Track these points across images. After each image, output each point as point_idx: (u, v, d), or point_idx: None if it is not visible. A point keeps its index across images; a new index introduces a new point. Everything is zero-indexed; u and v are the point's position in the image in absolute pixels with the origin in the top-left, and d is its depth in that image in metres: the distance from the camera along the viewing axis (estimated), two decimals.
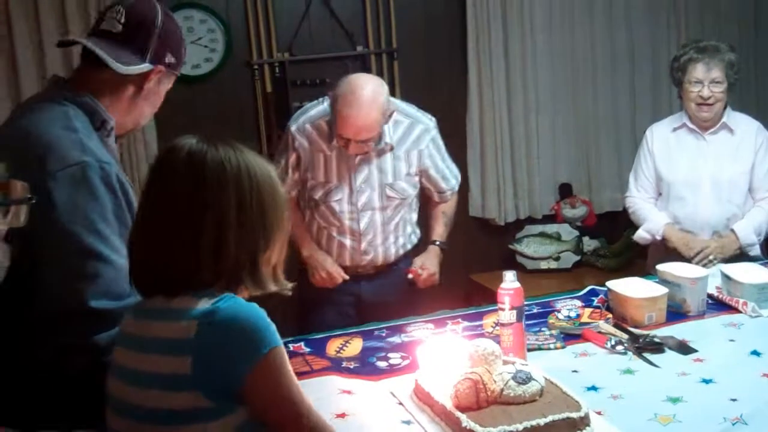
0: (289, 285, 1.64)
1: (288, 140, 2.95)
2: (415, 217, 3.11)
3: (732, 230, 3.22)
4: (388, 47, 4.38)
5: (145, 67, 1.94)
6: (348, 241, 2.99)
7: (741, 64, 3.34)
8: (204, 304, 1.47)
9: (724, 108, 3.27)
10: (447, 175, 3.08)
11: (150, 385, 1.48)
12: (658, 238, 3.31)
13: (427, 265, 3.02)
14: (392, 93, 3.20)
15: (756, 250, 3.26)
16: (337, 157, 2.88)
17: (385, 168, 2.91)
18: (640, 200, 3.41)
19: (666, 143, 3.35)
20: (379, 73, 4.31)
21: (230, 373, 1.45)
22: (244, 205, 1.53)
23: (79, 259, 1.75)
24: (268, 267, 1.59)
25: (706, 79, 3.18)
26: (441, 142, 3.03)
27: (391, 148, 2.89)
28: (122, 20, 1.92)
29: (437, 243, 3.10)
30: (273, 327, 1.49)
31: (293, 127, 2.93)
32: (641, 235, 3.39)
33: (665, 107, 4.57)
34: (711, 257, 3.15)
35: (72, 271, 1.75)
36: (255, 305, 1.50)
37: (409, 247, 3.10)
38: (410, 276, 3.01)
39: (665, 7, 4.75)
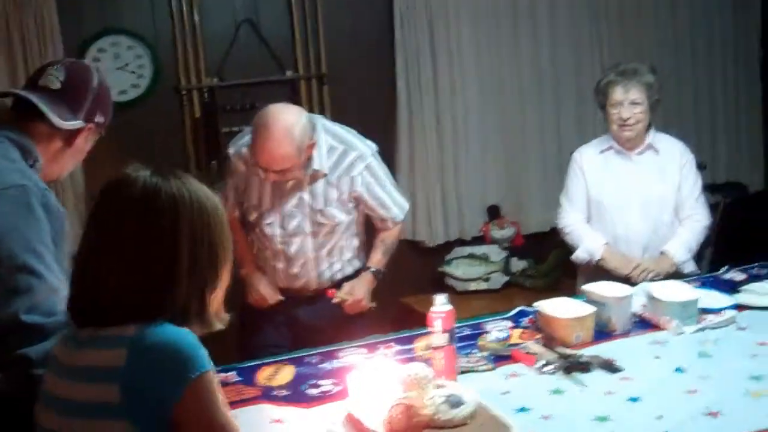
0: (228, 317, 1.62)
1: (228, 163, 3.01)
2: (356, 242, 3.09)
3: (663, 252, 3.30)
4: (318, 72, 4.38)
5: (78, 123, 2.05)
6: (281, 264, 3.00)
7: (662, 84, 3.43)
8: (134, 331, 1.44)
9: (648, 129, 3.35)
10: (387, 204, 3.04)
11: (79, 414, 1.45)
12: (597, 258, 3.36)
13: (355, 291, 3.02)
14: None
15: (690, 266, 3.34)
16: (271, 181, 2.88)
17: (317, 194, 2.91)
18: (575, 221, 3.45)
19: (595, 165, 3.42)
20: (309, 98, 4.32)
21: (159, 399, 1.42)
22: (197, 242, 1.51)
23: (14, 275, 1.79)
24: (213, 305, 1.56)
25: (626, 100, 3.26)
26: (380, 170, 3.00)
27: (324, 175, 2.89)
28: (62, 78, 2.03)
29: (371, 269, 3.09)
30: (203, 351, 1.46)
31: (231, 151, 2.98)
32: (580, 255, 3.41)
33: (590, 129, 4.64)
34: (649, 269, 3.22)
35: (6, 285, 1.79)
36: (185, 330, 1.47)
37: (349, 271, 3.09)
38: (335, 299, 3.00)
39: (587, 31, 4.86)
